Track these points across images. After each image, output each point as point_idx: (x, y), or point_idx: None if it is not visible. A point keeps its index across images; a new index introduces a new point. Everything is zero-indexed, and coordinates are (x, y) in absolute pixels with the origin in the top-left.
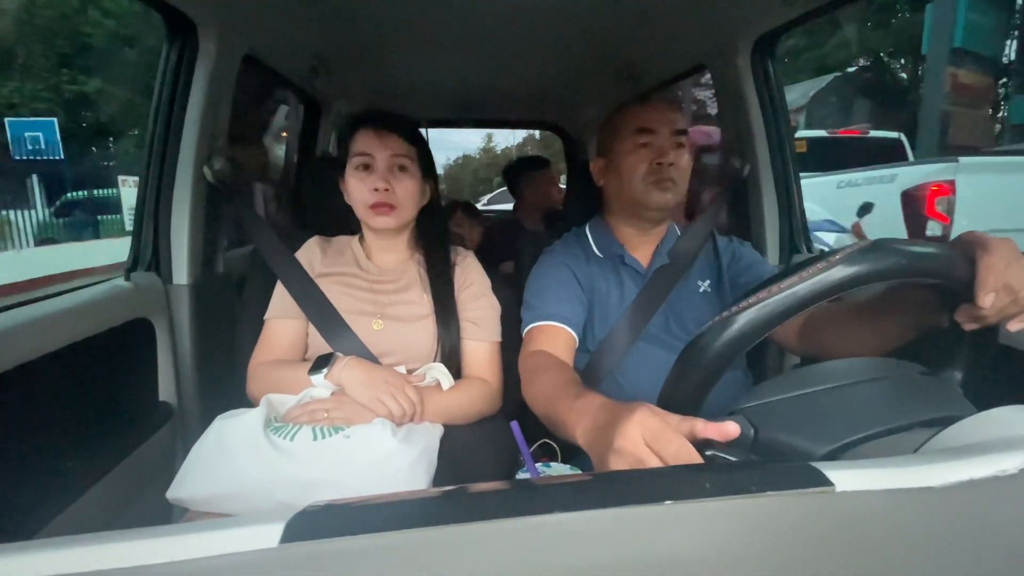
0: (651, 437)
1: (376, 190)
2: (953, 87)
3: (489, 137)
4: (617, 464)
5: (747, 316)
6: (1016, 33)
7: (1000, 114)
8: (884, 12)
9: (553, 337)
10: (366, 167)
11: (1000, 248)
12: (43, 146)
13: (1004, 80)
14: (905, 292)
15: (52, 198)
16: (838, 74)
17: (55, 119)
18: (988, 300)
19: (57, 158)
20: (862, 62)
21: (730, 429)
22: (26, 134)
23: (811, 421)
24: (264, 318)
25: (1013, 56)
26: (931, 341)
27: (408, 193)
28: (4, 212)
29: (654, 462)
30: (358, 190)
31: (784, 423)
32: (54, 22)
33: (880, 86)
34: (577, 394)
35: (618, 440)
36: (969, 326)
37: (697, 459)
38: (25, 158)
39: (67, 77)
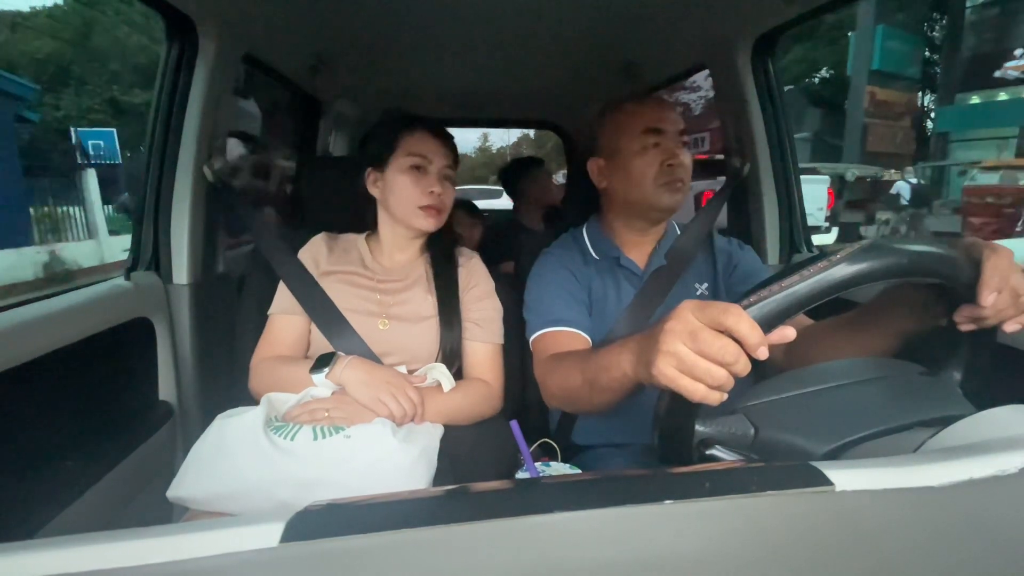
0: (689, 338)
1: (432, 192)
2: (873, 103)
3: (485, 137)
4: (665, 368)
5: (768, 305)
6: (939, 54)
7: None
8: (837, 30)
9: (569, 342)
10: (420, 168)
11: (1006, 252)
12: (104, 152)
13: (933, 96)
14: (891, 302)
15: (115, 196)
16: (791, 87)
17: (114, 129)
18: (990, 299)
19: (115, 162)
20: (824, 75)
21: (788, 333)
22: (90, 142)
23: (811, 420)
24: (268, 313)
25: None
26: (930, 342)
27: (450, 200)
28: (75, 208)
29: (702, 365)
30: (410, 189)
31: (784, 422)
32: (109, 44)
33: (829, 98)
34: (614, 345)
35: (662, 343)
36: (966, 327)
37: (735, 356)
38: (90, 162)
39: (118, 91)
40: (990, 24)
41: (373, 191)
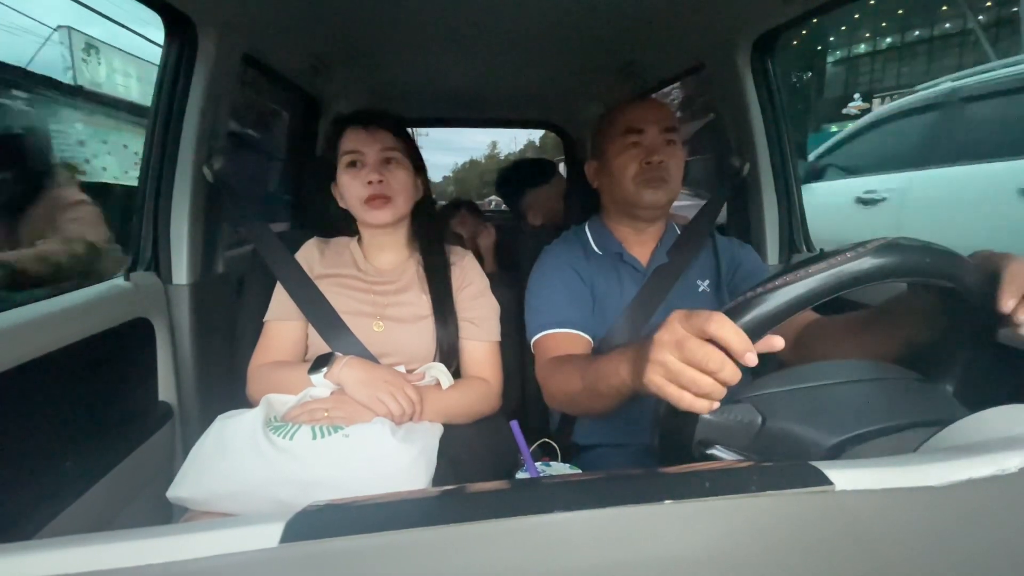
0: (676, 347)
1: (370, 183)
2: None
3: (493, 144)
4: (653, 376)
5: (753, 312)
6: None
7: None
8: None
9: (570, 344)
10: (356, 163)
11: (1021, 260)
12: None
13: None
14: (903, 307)
15: None
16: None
17: None
18: (1010, 304)
19: None
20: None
21: (775, 343)
22: None
23: (818, 413)
24: (264, 320)
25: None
26: (926, 353)
27: (401, 184)
28: None
29: (688, 374)
30: (351, 186)
31: (791, 414)
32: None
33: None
34: (613, 353)
35: (652, 353)
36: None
37: (720, 363)
38: None
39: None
40: (840, 76)
41: (341, 203)
